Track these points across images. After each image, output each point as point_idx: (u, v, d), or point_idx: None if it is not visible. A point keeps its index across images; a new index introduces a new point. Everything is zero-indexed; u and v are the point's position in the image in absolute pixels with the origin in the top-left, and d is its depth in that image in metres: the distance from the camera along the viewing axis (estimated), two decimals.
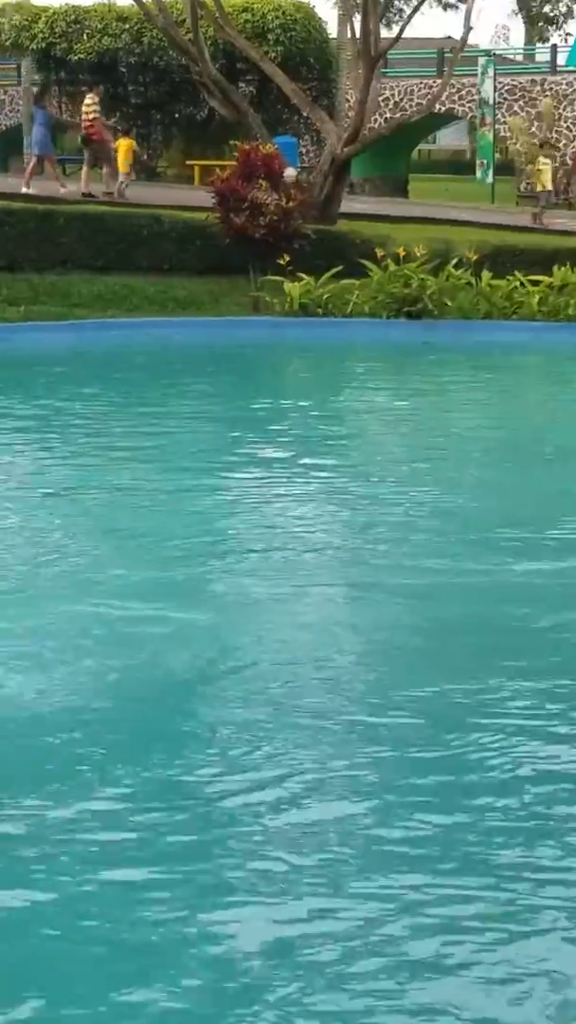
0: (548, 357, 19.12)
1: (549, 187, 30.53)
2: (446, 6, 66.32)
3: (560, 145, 40.69)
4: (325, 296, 20.48)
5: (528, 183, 40.29)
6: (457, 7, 64.04)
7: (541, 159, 30.90)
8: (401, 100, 42.86)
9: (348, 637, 7.39)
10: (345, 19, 29.92)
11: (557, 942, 4.58)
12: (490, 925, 4.64)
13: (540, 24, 64.66)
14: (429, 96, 33.83)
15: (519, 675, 6.82)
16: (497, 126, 39.93)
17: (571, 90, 40.77)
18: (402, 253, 21.04)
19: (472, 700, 6.49)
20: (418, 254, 20.95)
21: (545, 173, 30.12)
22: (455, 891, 4.82)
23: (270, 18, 34.02)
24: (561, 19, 64.64)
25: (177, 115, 36.56)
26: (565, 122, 40.88)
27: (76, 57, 36.91)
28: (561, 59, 42.21)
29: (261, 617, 7.69)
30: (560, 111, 40.69)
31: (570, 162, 40.63)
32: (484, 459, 12.45)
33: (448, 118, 44.85)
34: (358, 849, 5.12)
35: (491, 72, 39.49)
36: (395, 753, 5.91)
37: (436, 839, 5.20)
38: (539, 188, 30.41)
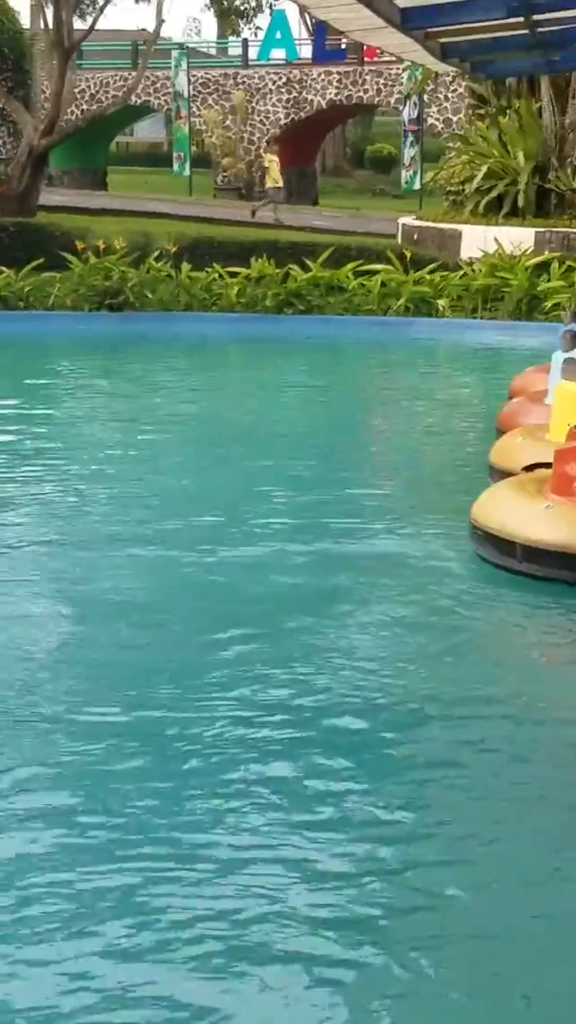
0: (247, 347, 19.58)
1: (280, 184, 31.27)
2: None
3: (254, 138, 41.50)
4: (26, 289, 20.48)
5: (225, 175, 40.98)
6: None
7: (268, 156, 31.69)
8: (97, 92, 42.90)
9: (48, 630, 7.59)
10: (37, 9, 29.83)
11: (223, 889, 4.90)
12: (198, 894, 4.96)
13: (231, 18, 65.46)
14: (124, 88, 34.00)
15: (222, 655, 7.16)
16: (192, 119, 40.41)
17: (263, 84, 41.61)
18: (102, 246, 21.21)
19: (177, 689, 6.77)
20: (118, 247, 21.15)
21: (273, 170, 30.90)
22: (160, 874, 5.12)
23: None
24: (252, 13, 65.62)
25: None
26: (258, 116, 41.70)
27: None
28: (253, 53, 42.99)
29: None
30: (253, 105, 41.48)
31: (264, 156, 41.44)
32: (184, 448, 12.77)
33: (144, 110, 45.12)
34: (63, 839, 5.32)
35: (184, 65, 39.94)
36: (100, 744, 6.14)
37: (141, 827, 5.48)
38: (269, 184, 31.15)
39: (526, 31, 12.13)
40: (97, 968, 4.43)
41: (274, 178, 30.87)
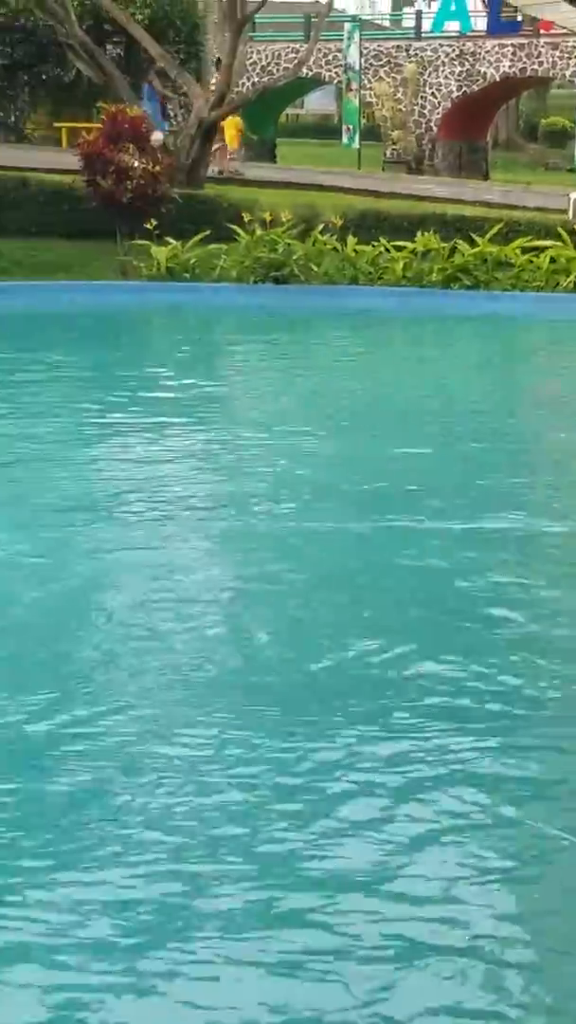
0: (413, 321, 19.38)
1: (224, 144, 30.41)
2: None
3: (425, 111, 41.13)
4: (192, 260, 20.55)
5: (394, 148, 40.70)
6: None
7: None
8: (268, 64, 42.87)
9: (226, 594, 7.57)
10: None
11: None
12: None
13: None
14: (296, 60, 33.89)
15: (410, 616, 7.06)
16: (363, 92, 40.14)
17: (435, 56, 41.17)
18: (269, 218, 21.16)
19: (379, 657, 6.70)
20: (285, 219, 21.08)
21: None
22: None
23: None
24: None
25: (45, 77, 36.11)
26: (429, 88, 41.27)
27: None
28: (426, 25, 42.53)
29: (139, 583, 7.78)
30: (425, 77, 41.07)
31: (435, 128, 41.06)
32: (352, 422, 12.62)
33: (315, 82, 44.94)
34: None
35: (357, 37, 39.66)
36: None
37: None
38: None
39: None
40: None
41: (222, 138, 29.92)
